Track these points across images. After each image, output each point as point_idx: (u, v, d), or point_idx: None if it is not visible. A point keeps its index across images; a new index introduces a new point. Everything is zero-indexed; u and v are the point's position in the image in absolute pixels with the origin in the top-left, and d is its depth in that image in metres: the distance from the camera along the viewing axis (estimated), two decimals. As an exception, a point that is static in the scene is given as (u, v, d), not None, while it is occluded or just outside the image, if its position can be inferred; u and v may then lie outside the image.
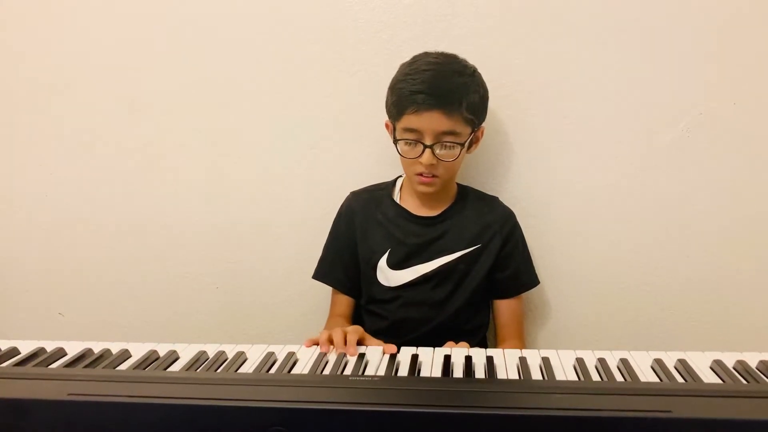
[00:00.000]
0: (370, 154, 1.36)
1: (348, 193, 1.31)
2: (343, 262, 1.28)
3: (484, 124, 1.20)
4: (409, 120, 1.11)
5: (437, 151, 1.11)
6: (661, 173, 1.29)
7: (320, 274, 1.30)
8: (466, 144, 1.14)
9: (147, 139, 1.42)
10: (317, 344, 0.93)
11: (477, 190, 1.30)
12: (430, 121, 1.09)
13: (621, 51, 1.26)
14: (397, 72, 1.17)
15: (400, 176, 1.29)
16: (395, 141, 1.16)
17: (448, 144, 1.11)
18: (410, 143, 1.13)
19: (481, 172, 1.34)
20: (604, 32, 1.26)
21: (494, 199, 1.29)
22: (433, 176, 1.15)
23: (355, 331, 0.95)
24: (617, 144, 1.30)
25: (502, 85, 1.28)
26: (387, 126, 1.21)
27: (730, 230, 1.30)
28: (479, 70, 1.17)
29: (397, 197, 1.27)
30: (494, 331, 1.31)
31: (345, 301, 1.28)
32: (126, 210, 1.45)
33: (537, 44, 1.28)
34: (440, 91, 1.09)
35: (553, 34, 1.27)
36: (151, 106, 1.40)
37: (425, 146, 1.11)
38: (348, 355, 0.90)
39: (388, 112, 1.18)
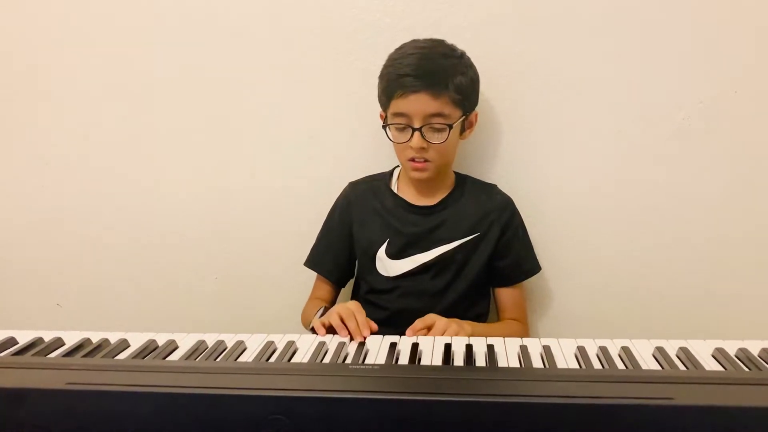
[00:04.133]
0: (368, 144, 1.35)
1: (347, 183, 1.30)
2: (334, 253, 1.28)
3: (477, 110, 1.20)
4: (398, 104, 1.11)
5: (427, 135, 1.11)
6: (661, 162, 1.29)
7: (311, 262, 1.30)
8: (456, 126, 1.14)
9: (145, 129, 1.40)
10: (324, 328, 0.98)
11: (475, 179, 1.29)
12: (418, 104, 1.09)
13: (620, 40, 1.25)
14: (386, 60, 1.17)
15: (398, 166, 1.29)
16: (385, 127, 1.16)
17: (437, 126, 1.11)
18: (400, 128, 1.13)
19: (479, 162, 1.34)
20: (602, 22, 1.25)
21: (493, 187, 1.28)
22: (425, 161, 1.14)
23: (360, 310, 0.99)
24: (617, 133, 1.29)
25: (500, 75, 1.27)
26: (381, 117, 1.21)
27: (730, 219, 1.29)
28: (478, 60, 1.16)
29: (394, 187, 1.26)
30: (496, 319, 1.30)
31: (328, 289, 1.30)
32: (124, 200, 1.45)
33: (536, 33, 1.26)
34: (425, 72, 1.09)
35: (552, 23, 1.26)
36: (149, 97, 1.39)
37: (414, 129, 1.11)
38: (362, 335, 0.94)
39: (379, 100, 1.19)
